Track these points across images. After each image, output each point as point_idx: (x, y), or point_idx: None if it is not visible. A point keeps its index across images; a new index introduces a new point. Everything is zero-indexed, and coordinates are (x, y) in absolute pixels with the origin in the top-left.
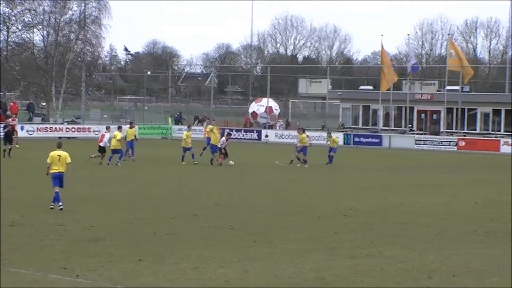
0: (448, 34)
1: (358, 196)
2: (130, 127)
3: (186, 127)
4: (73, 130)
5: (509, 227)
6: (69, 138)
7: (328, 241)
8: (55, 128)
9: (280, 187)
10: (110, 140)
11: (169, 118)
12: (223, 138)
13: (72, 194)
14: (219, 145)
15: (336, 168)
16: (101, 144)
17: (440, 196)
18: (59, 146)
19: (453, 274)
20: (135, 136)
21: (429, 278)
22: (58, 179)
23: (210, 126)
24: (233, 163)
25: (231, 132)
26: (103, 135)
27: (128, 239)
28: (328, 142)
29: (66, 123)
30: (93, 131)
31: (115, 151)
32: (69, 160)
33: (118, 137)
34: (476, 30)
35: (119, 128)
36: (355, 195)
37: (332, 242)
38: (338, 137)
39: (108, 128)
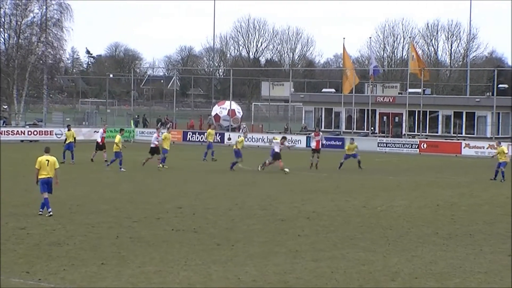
0: (410, 37)
1: (321, 199)
2: (68, 130)
3: (154, 129)
4: (35, 133)
5: (469, 229)
6: (31, 141)
7: (291, 244)
8: (17, 131)
9: (242, 190)
10: (157, 140)
11: (131, 121)
12: (279, 143)
13: (34, 197)
14: (277, 150)
15: (298, 171)
16: (152, 145)
17: (402, 198)
18: (47, 151)
19: (415, 276)
20: (74, 138)
21: (392, 280)
22: (47, 184)
23: (209, 130)
24: (288, 170)
25: (285, 136)
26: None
27: (91, 243)
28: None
29: (28, 126)
30: (55, 134)
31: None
32: (57, 165)
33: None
34: (437, 33)
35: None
36: (317, 198)
37: (295, 245)
38: (291, 139)
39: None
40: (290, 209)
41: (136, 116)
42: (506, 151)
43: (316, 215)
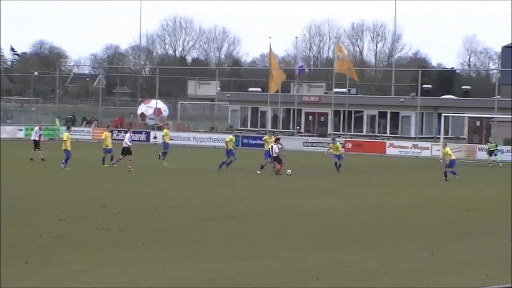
0: (336, 37)
1: (247, 198)
2: None
3: (66, 128)
4: None
5: (395, 228)
6: None
7: (217, 243)
8: None
9: (168, 189)
10: (130, 140)
11: (56, 119)
12: (275, 146)
13: None
14: (274, 154)
15: (223, 170)
16: (124, 145)
17: (328, 198)
18: None
19: (341, 275)
20: None
21: (317, 279)
22: None
23: (165, 130)
24: (290, 171)
25: (279, 137)
26: (272, 147)
27: (14, 241)
28: (331, 150)
29: None
30: None
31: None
32: None
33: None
34: (362, 33)
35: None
36: (243, 197)
37: (221, 244)
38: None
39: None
40: (216, 208)
41: (71, 116)
42: (450, 152)
43: (242, 214)
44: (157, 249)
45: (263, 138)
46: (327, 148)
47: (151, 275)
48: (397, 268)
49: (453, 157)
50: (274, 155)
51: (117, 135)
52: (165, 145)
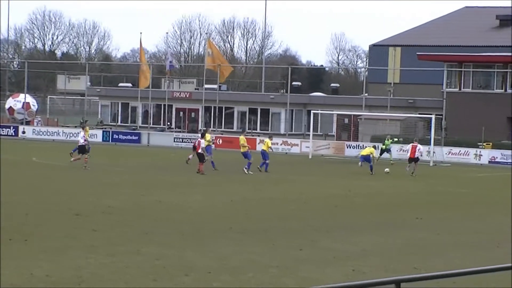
0: (206, 33)
1: (117, 194)
2: None
3: None
4: None
5: (263, 224)
6: None
7: (86, 239)
8: None
9: (37, 184)
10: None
11: None
12: (202, 140)
13: None
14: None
15: (93, 166)
16: (199, 151)
17: (198, 193)
18: None
19: (209, 270)
20: None
21: (185, 275)
22: None
23: (87, 128)
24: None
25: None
26: (199, 142)
27: None
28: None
29: None
30: None
31: None
32: None
33: None
34: (233, 30)
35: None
36: (114, 193)
37: (90, 240)
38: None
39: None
40: (86, 203)
41: None
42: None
43: (112, 210)
44: (24, 245)
45: (265, 141)
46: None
47: (16, 272)
48: (263, 263)
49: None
50: (200, 151)
51: None
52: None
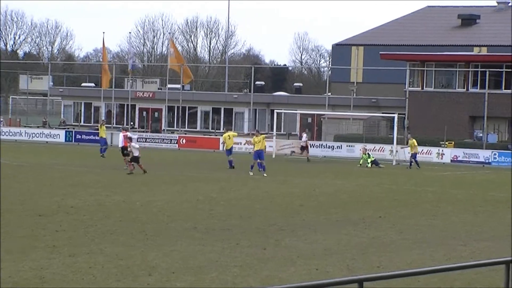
0: (169, 33)
1: (81, 193)
2: None
3: None
4: None
5: (227, 223)
6: None
7: (48, 239)
8: None
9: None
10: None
11: None
12: (304, 135)
13: None
14: (302, 144)
15: (57, 166)
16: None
17: (163, 193)
18: None
19: (172, 270)
20: None
21: (149, 275)
22: None
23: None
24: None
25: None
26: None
27: None
28: (408, 149)
29: None
30: None
31: None
32: None
33: None
34: (196, 29)
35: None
36: (78, 192)
37: (53, 240)
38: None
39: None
40: (50, 203)
41: None
42: (415, 144)
43: (76, 210)
44: None
45: (253, 140)
46: (251, 143)
47: None
48: (226, 263)
49: (415, 150)
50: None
51: None
52: (102, 140)
